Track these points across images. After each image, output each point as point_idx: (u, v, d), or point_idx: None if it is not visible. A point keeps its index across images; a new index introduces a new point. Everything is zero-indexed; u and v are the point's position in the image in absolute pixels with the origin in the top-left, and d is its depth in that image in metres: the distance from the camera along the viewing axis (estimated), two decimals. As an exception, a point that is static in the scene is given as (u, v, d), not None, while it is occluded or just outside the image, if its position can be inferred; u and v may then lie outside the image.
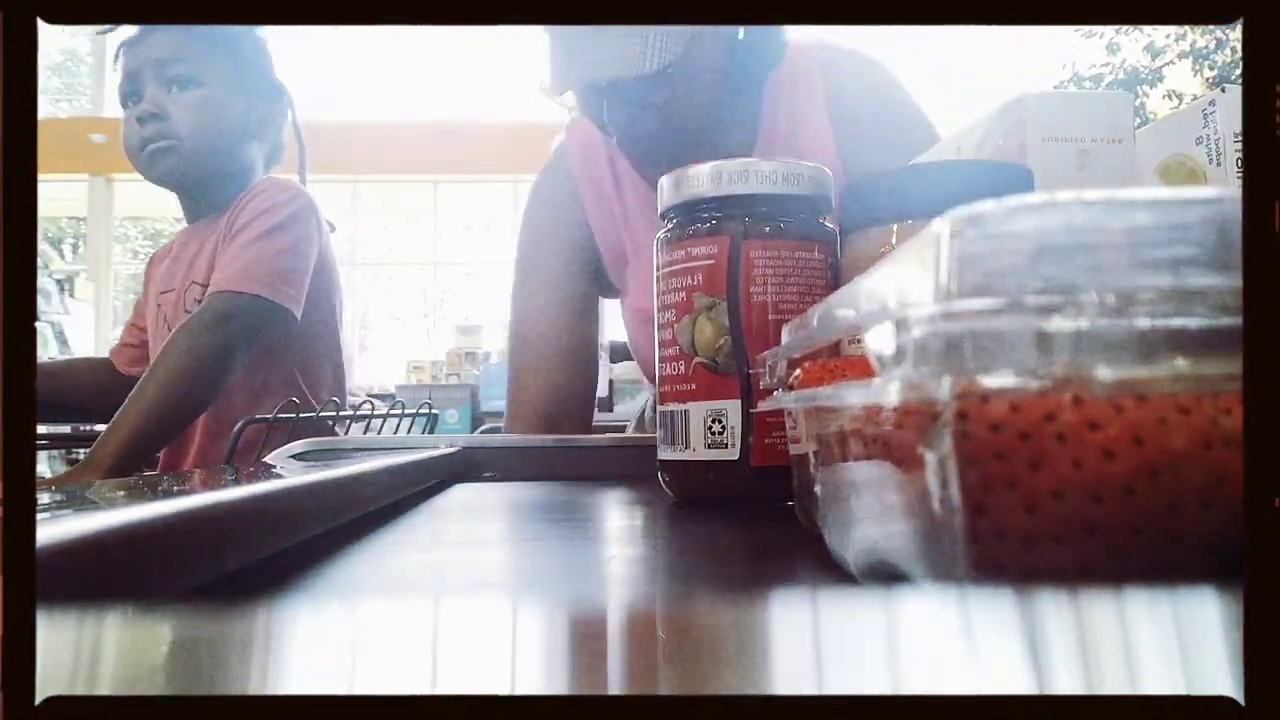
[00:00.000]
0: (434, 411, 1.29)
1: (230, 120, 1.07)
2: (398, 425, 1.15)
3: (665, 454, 0.43)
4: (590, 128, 0.87)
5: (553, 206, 0.93)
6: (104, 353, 1.24)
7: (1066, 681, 0.11)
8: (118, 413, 0.91)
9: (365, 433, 1.10)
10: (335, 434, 1.02)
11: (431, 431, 1.32)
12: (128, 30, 1.07)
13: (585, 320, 0.92)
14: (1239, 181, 0.42)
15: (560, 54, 0.74)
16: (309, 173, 1.20)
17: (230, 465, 0.93)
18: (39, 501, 0.23)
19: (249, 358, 0.99)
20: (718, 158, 0.89)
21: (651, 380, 1.00)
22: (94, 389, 1.20)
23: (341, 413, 0.98)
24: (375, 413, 1.10)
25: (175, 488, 0.34)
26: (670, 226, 0.44)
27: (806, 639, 0.13)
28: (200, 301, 1.04)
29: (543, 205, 0.94)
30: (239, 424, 0.93)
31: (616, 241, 0.90)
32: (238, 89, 1.08)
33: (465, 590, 0.24)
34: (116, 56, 1.07)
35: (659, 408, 0.44)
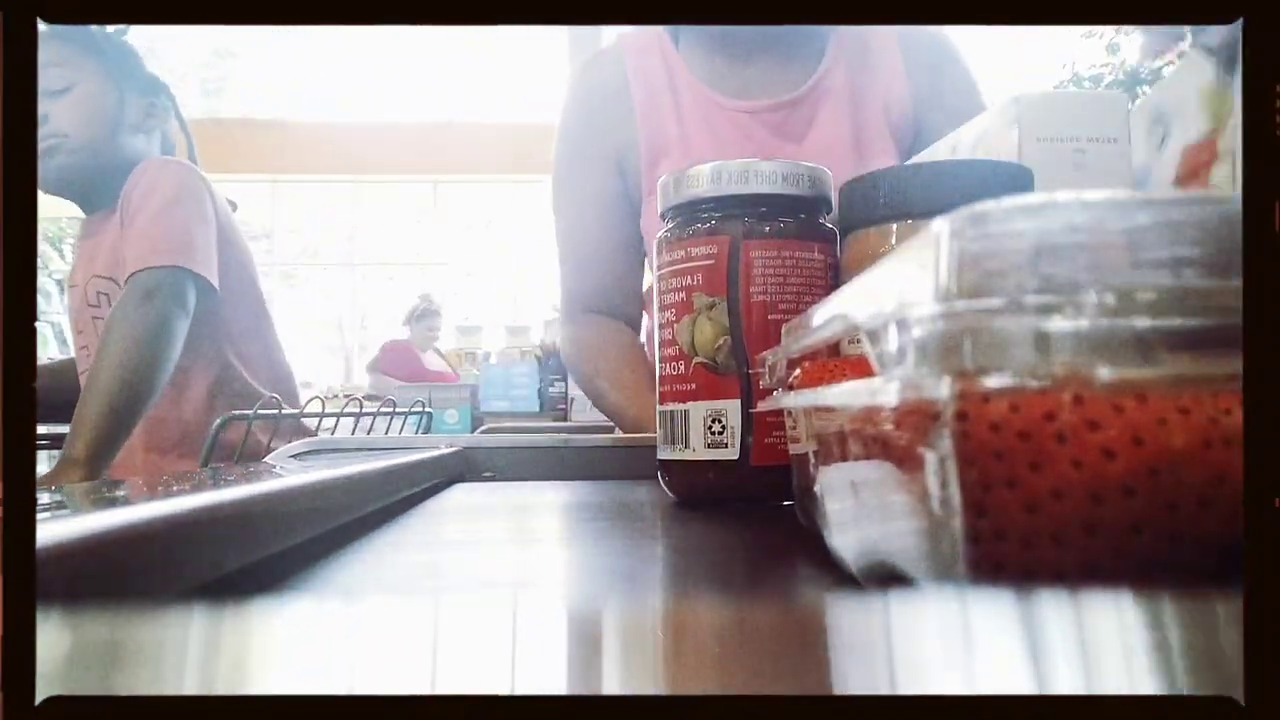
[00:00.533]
0: (428, 411, 1.29)
1: (106, 111, 1.09)
2: (389, 424, 1.14)
3: (665, 454, 0.43)
4: (645, 33, 0.89)
5: (600, 96, 0.91)
6: None
7: (1066, 681, 0.11)
8: (77, 408, 0.92)
9: (354, 432, 1.11)
10: (314, 433, 1.02)
11: (426, 431, 1.32)
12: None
13: (626, 217, 0.91)
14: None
15: None
16: (308, 173, 1.21)
17: (208, 465, 0.93)
18: (39, 501, 0.23)
19: (185, 325, 1.00)
20: (779, 66, 0.88)
21: None
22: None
23: (327, 410, 0.98)
24: (364, 411, 1.10)
25: (175, 488, 0.34)
26: (670, 226, 0.44)
27: (806, 639, 0.13)
28: (103, 294, 1.07)
29: (589, 96, 0.92)
30: (217, 422, 0.93)
31: (660, 129, 0.88)
32: (110, 84, 1.10)
33: (465, 590, 0.24)
34: None
35: (659, 408, 0.44)
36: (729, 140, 0.87)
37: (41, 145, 1.05)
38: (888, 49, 0.87)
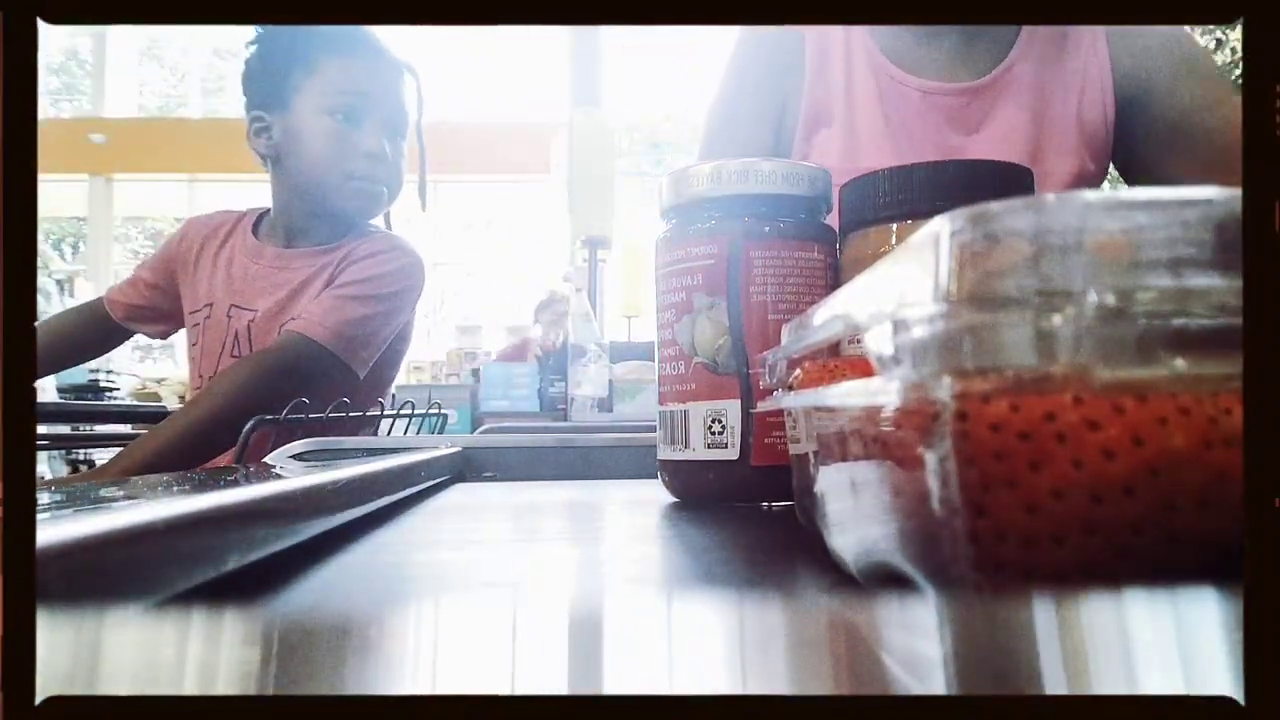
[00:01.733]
0: (444, 412, 1.29)
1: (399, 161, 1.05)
2: (407, 426, 1.14)
3: (665, 454, 0.43)
4: None
5: (773, 41, 0.84)
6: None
7: (1066, 681, 0.11)
8: (155, 428, 0.90)
9: (374, 433, 1.10)
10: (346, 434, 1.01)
11: (440, 432, 1.32)
12: (337, 41, 1.02)
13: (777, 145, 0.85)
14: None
15: None
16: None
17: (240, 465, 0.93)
18: (39, 501, 0.23)
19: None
20: (970, 44, 0.80)
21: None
22: (78, 336, 1.15)
23: (350, 413, 0.98)
24: (385, 413, 1.10)
25: (176, 488, 0.34)
26: (670, 226, 0.44)
27: (806, 639, 0.13)
28: (240, 329, 1.02)
29: (762, 35, 0.85)
30: (249, 424, 0.93)
31: (825, 92, 0.82)
32: (405, 146, 1.07)
33: (465, 590, 0.24)
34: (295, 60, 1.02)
35: (659, 408, 0.44)
36: (897, 120, 0.80)
37: (369, 184, 1.01)
38: (1095, 40, 0.79)
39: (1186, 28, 0.82)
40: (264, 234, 1.09)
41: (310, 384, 0.97)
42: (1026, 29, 0.80)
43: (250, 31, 1.06)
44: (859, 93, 0.81)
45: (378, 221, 1.11)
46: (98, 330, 1.16)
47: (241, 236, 1.10)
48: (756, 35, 0.86)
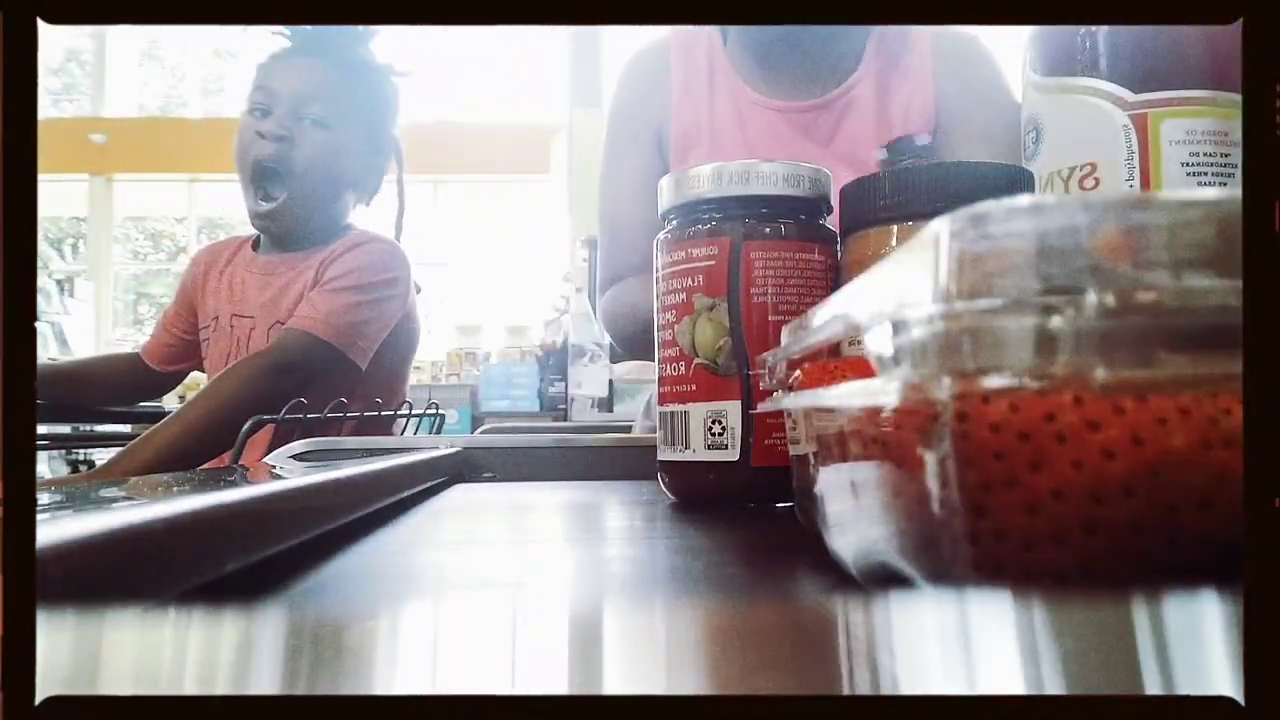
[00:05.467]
0: (440, 412, 1.29)
1: (344, 173, 1.08)
2: (404, 426, 1.15)
3: (665, 454, 0.43)
4: (694, 29, 0.93)
5: (643, 81, 0.96)
6: (104, 351, 1.24)
7: (1066, 682, 0.11)
8: (157, 426, 0.90)
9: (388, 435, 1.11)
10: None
11: (438, 432, 1.32)
12: (275, 44, 1.07)
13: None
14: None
15: None
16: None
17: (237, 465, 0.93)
18: (39, 501, 0.23)
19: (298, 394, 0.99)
20: (814, 67, 0.89)
21: None
22: (123, 389, 1.19)
23: (349, 413, 0.98)
24: (383, 413, 1.10)
25: (175, 488, 0.34)
26: (671, 227, 0.44)
27: (806, 639, 0.13)
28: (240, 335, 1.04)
29: (634, 80, 0.97)
30: (247, 424, 0.93)
31: (692, 118, 0.92)
32: (362, 142, 1.09)
33: (465, 590, 0.24)
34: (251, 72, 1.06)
35: (659, 409, 0.44)
36: (756, 137, 0.90)
37: (270, 163, 1.03)
38: (922, 57, 0.89)
39: (1004, 79, 0.91)
40: (261, 247, 1.14)
41: (312, 379, 0.97)
42: (871, 45, 0.90)
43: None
44: (721, 115, 0.91)
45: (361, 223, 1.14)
46: (143, 382, 1.20)
47: (242, 253, 1.14)
48: (626, 90, 0.97)
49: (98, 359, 1.27)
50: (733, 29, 0.92)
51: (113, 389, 1.19)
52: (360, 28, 1.09)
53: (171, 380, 1.23)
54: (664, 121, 0.94)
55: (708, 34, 0.94)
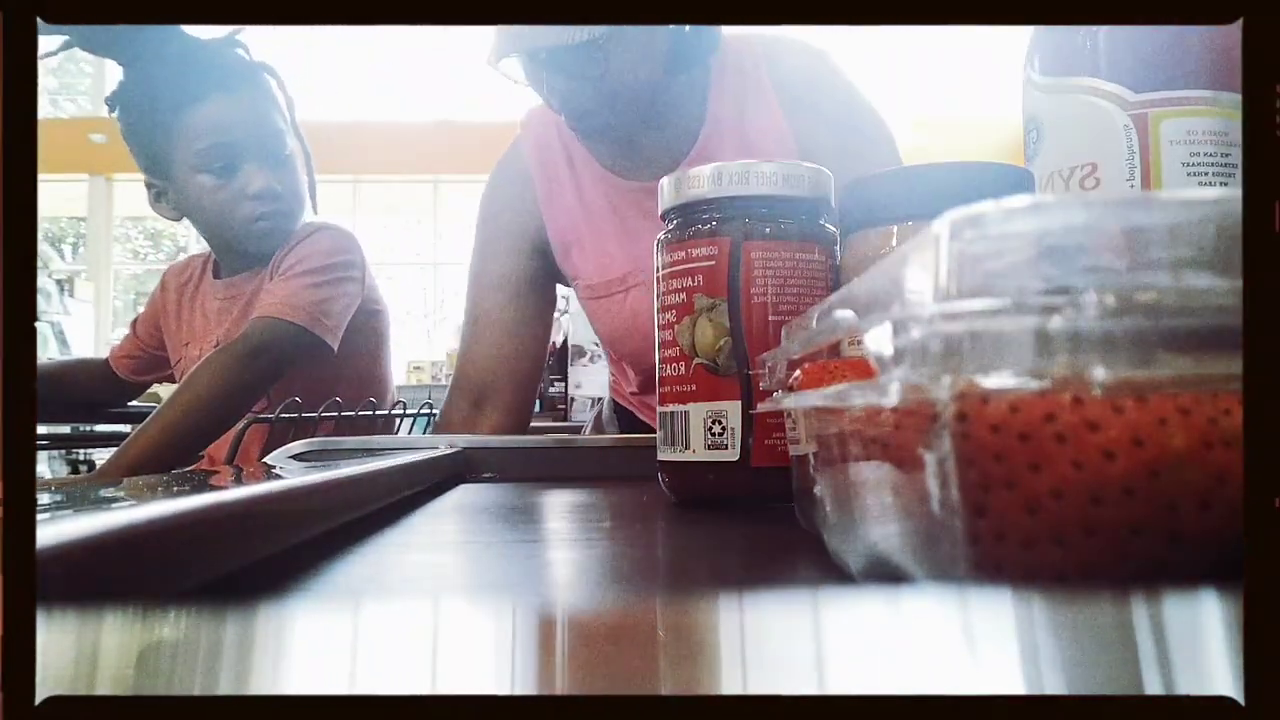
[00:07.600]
0: (434, 412, 1.30)
1: (303, 185, 1.10)
2: (398, 425, 1.15)
3: (665, 455, 0.43)
4: (546, 117, 0.92)
5: (507, 190, 0.96)
6: (104, 353, 1.26)
7: (1066, 682, 0.11)
8: (139, 427, 0.91)
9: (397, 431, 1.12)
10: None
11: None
12: (181, 91, 1.03)
13: (528, 299, 0.95)
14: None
15: (500, 26, 0.78)
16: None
17: (233, 465, 0.93)
18: (39, 501, 0.23)
19: (277, 380, 1.00)
20: (664, 139, 0.90)
21: (613, 352, 1.01)
22: (94, 392, 1.23)
23: (344, 412, 0.98)
24: (377, 412, 1.10)
25: (175, 488, 0.34)
26: (671, 228, 0.44)
27: (806, 639, 0.13)
28: None
29: (497, 190, 0.98)
30: (242, 424, 0.93)
31: (567, 225, 0.93)
32: (301, 144, 1.10)
33: (465, 590, 0.24)
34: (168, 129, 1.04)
35: (659, 409, 0.44)
36: (631, 218, 0.90)
37: (270, 221, 1.04)
38: (763, 94, 0.88)
39: (857, 92, 0.90)
40: (223, 272, 1.15)
41: (285, 361, 0.99)
42: (712, 101, 0.88)
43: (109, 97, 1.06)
44: (593, 206, 0.92)
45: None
46: (113, 388, 1.24)
47: (206, 278, 1.17)
48: (490, 201, 0.97)
49: (71, 362, 1.30)
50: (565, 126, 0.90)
51: (84, 393, 1.22)
52: (222, 35, 1.09)
53: (140, 388, 1.26)
54: (538, 228, 0.94)
55: (559, 131, 0.92)
